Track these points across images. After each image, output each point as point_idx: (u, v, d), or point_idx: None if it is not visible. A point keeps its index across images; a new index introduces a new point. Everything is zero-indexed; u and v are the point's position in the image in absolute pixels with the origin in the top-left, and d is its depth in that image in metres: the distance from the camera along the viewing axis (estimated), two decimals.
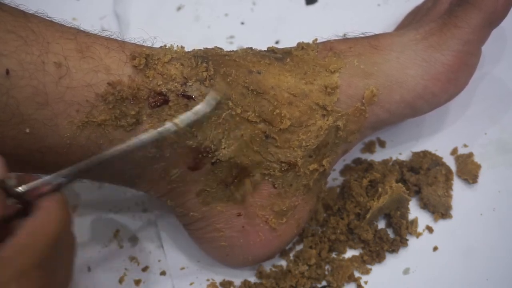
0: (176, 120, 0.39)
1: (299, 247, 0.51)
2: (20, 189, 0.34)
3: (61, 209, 0.34)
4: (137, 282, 0.50)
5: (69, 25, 0.40)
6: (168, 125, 0.39)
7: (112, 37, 0.41)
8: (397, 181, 0.51)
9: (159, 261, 0.51)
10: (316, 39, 0.47)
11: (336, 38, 0.47)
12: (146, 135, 0.38)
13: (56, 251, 0.33)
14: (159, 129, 0.38)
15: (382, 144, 0.55)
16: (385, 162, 0.53)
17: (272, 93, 0.42)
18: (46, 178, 0.35)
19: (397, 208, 0.50)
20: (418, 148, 0.54)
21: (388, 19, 0.58)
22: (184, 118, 0.39)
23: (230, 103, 0.41)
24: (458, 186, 0.52)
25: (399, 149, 0.54)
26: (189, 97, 0.40)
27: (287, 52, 0.45)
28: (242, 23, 0.61)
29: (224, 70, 0.41)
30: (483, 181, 0.52)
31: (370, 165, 0.53)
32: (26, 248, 0.32)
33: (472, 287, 0.48)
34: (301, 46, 0.46)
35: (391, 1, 0.61)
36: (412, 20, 0.54)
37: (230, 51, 0.44)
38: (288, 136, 0.43)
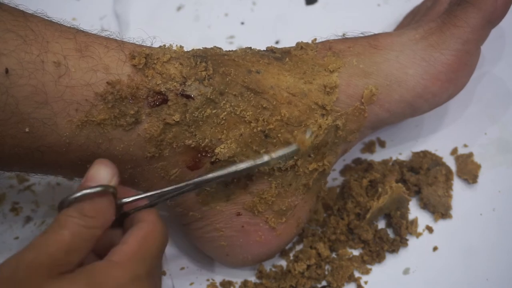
0: (272, 154, 0.42)
1: (299, 247, 0.51)
2: (125, 200, 0.37)
3: (163, 223, 0.37)
4: None
5: (69, 25, 0.40)
6: (265, 157, 0.42)
7: (112, 37, 0.41)
8: (397, 181, 0.51)
9: None
10: (315, 39, 0.47)
11: (336, 38, 0.47)
12: (243, 165, 0.41)
13: (160, 262, 0.37)
14: (257, 161, 0.41)
15: (382, 144, 0.54)
16: (385, 162, 0.53)
17: (271, 92, 0.42)
18: (144, 195, 0.38)
19: (397, 208, 0.50)
20: (418, 148, 0.54)
21: (388, 19, 0.58)
22: (278, 151, 0.42)
23: (230, 103, 0.41)
24: (458, 186, 0.52)
25: (399, 149, 0.54)
26: (188, 97, 0.40)
27: (286, 51, 0.45)
28: (242, 23, 0.61)
29: (223, 69, 0.41)
30: (483, 181, 0.52)
31: (370, 165, 0.53)
32: (138, 255, 0.34)
33: (472, 287, 0.48)
34: (300, 46, 0.46)
35: (391, 1, 0.61)
36: (411, 20, 0.54)
37: (229, 50, 0.44)
38: (287, 136, 0.43)
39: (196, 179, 0.40)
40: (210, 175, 0.40)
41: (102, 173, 0.35)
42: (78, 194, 0.34)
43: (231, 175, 0.41)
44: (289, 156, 0.43)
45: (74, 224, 0.33)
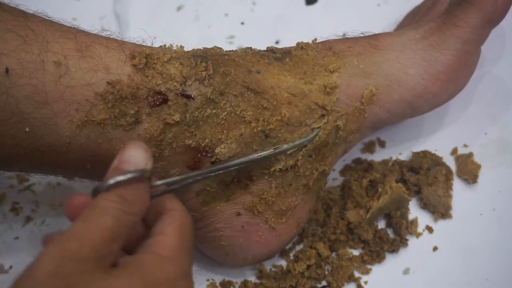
0: (290, 143, 0.42)
1: (299, 247, 0.51)
2: (156, 184, 0.36)
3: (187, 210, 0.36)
4: None
5: (69, 25, 0.40)
6: (284, 146, 0.42)
7: (112, 37, 0.41)
8: (397, 181, 0.51)
9: None
10: (315, 39, 0.47)
11: (336, 38, 0.47)
12: (264, 153, 0.42)
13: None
14: (276, 149, 0.42)
15: (382, 144, 0.54)
16: (385, 162, 0.53)
17: (272, 92, 0.42)
18: (171, 179, 0.37)
19: (397, 208, 0.50)
20: (418, 148, 0.54)
21: (388, 19, 0.58)
22: (297, 142, 0.43)
23: (230, 103, 0.41)
24: (458, 186, 0.52)
25: (399, 149, 0.54)
26: (188, 97, 0.40)
27: (286, 51, 0.45)
28: (242, 23, 0.61)
29: (223, 69, 0.41)
30: (483, 181, 0.52)
31: (370, 165, 0.53)
32: (184, 249, 0.33)
33: (472, 287, 0.48)
34: (301, 46, 0.46)
35: (391, 1, 0.61)
36: (411, 20, 0.54)
37: (230, 50, 0.44)
38: (288, 136, 0.43)
39: (218, 166, 0.39)
40: (232, 162, 0.40)
41: (139, 156, 0.34)
42: (118, 179, 0.32)
43: (253, 162, 0.41)
44: (304, 144, 0.43)
45: (116, 210, 0.32)
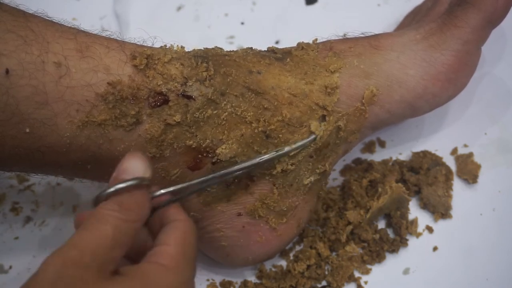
0: (292, 145, 0.42)
1: (299, 247, 0.51)
2: (159, 193, 0.36)
3: (191, 220, 0.36)
4: None
5: (69, 25, 0.40)
6: (286, 148, 0.42)
7: (112, 37, 0.41)
8: (397, 181, 0.51)
9: None
10: (316, 39, 0.47)
11: (336, 38, 0.47)
12: (266, 156, 0.42)
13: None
14: (278, 152, 0.42)
15: (382, 144, 0.55)
16: (385, 162, 0.53)
17: (272, 93, 0.42)
18: (172, 188, 0.37)
19: (397, 208, 0.50)
20: (418, 148, 0.54)
21: (388, 19, 0.58)
22: (298, 143, 0.43)
23: (231, 103, 0.41)
24: (458, 186, 0.52)
25: (399, 149, 0.54)
26: (189, 97, 0.40)
27: (287, 52, 0.45)
28: (242, 23, 0.61)
29: (224, 70, 0.41)
30: (483, 181, 0.52)
31: (370, 165, 0.53)
32: (185, 259, 0.34)
33: (472, 287, 0.48)
34: (301, 46, 0.46)
35: (391, 1, 0.61)
36: (412, 20, 0.54)
37: (230, 51, 0.44)
38: (289, 136, 0.43)
39: (222, 172, 0.40)
40: (235, 167, 0.40)
41: (137, 165, 0.35)
42: (117, 186, 0.33)
43: (256, 165, 0.41)
44: (306, 145, 0.43)
45: (115, 218, 0.32)
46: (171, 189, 0.37)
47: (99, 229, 0.32)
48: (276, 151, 0.42)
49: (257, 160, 0.41)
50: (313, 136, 0.43)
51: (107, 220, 0.32)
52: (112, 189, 0.33)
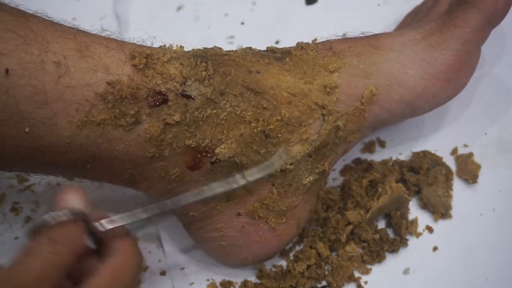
0: (246, 173, 0.41)
1: (299, 247, 0.51)
2: (102, 226, 0.36)
3: (138, 253, 0.37)
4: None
5: (69, 25, 0.40)
6: (238, 176, 0.41)
7: (112, 37, 0.41)
8: (397, 181, 0.51)
9: (159, 261, 0.51)
10: (315, 39, 0.47)
11: (336, 38, 0.47)
12: (217, 187, 0.40)
13: None
14: (228, 179, 0.41)
15: (382, 144, 0.54)
16: (385, 162, 0.53)
17: (272, 92, 0.42)
18: (121, 216, 0.37)
19: (397, 208, 0.50)
20: (418, 148, 0.54)
21: (388, 19, 0.58)
22: (253, 171, 0.41)
23: (230, 103, 0.41)
24: (458, 186, 0.52)
25: (399, 149, 0.54)
26: (188, 97, 0.40)
27: (286, 51, 0.45)
28: (242, 23, 0.61)
29: (223, 69, 0.41)
30: (483, 181, 0.52)
31: (370, 165, 0.53)
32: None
33: (472, 287, 0.48)
34: (301, 46, 0.46)
35: (391, 1, 0.61)
36: (412, 20, 0.54)
37: (230, 50, 0.44)
38: (288, 136, 0.43)
39: (170, 204, 0.39)
40: (184, 201, 0.40)
41: (69, 197, 0.35)
42: (47, 220, 0.34)
43: (207, 199, 0.41)
44: (264, 176, 0.42)
45: (43, 252, 0.33)
46: (117, 223, 0.37)
47: (28, 263, 0.32)
48: (230, 184, 0.41)
49: (209, 193, 0.40)
50: (271, 168, 0.42)
51: (36, 254, 0.33)
52: (40, 220, 0.34)
